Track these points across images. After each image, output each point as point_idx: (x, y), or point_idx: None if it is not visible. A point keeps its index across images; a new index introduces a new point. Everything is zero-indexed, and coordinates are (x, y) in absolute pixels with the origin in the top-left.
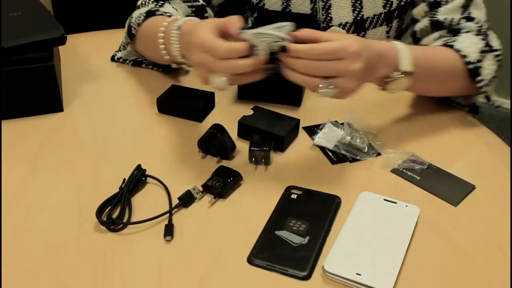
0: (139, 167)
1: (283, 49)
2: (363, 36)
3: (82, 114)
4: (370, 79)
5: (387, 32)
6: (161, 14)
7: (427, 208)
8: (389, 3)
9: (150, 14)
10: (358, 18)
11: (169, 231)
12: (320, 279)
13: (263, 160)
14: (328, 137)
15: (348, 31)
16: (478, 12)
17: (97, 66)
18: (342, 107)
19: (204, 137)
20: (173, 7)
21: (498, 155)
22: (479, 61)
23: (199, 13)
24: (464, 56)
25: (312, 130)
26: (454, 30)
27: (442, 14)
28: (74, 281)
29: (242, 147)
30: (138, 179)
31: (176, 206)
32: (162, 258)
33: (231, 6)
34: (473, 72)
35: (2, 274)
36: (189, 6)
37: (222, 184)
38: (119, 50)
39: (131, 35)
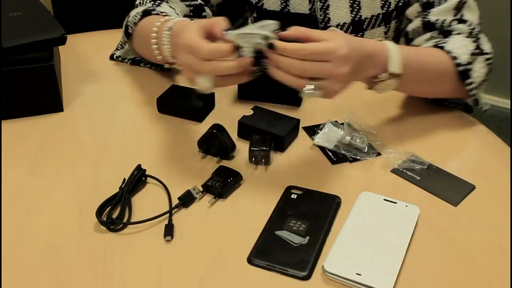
0: (139, 167)
1: (270, 46)
2: (361, 36)
3: (82, 114)
4: (358, 78)
5: (385, 33)
6: (157, 14)
7: (427, 208)
8: (387, 3)
9: (146, 13)
10: (356, 18)
11: (169, 231)
12: (320, 279)
13: (263, 160)
14: (328, 137)
15: (346, 32)
16: (471, 14)
17: (97, 66)
18: (342, 107)
19: (204, 137)
20: (170, 7)
21: (498, 155)
22: (470, 63)
23: (197, 12)
24: (454, 58)
25: (312, 130)
26: (445, 32)
27: (434, 15)
28: (74, 281)
29: (242, 147)
30: (138, 179)
31: (176, 206)
32: (162, 258)
33: (230, 6)
34: (463, 74)
35: (2, 274)
36: (187, 5)
37: (222, 184)
38: (117, 49)
39: (128, 34)
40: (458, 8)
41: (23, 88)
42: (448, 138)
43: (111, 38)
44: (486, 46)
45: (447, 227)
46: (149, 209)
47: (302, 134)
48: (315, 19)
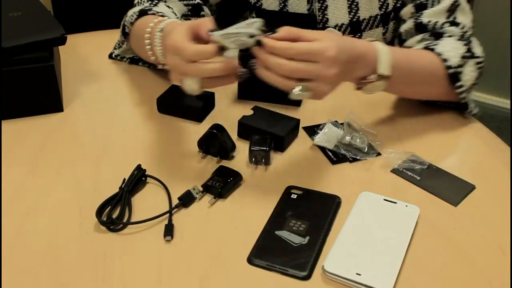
0: (139, 167)
1: (258, 43)
2: (359, 37)
3: (82, 114)
4: (347, 79)
5: (384, 34)
6: (153, 14)
7: (427, 208)
8: (385, 4)
9: (142, 13)
10: (354, 19)
11: (169, 231)
12: (320, 279)
13: (263, 160)
14: (328, 137)
15: (344, 33)
16: (464, 17)
17: (97, 66)
18: (342, 107)
19: (204, 137)
20: (168, 6)
21: (498, 155)
22: (460, 66)
23: (195, 11)
24: (444, 60)
25: (312, 130)
26: (436, 34)
27: (427, 16)
28: (74, 281)
29: (242, 147)
30: (138, 179)
31: (176, 206)
32: (162, 258)
33: (229, 6)
34: (453, 77)
35: (2, 274)
36: (185, 5)
37: (222, 184)
38: (115, 48)
39: (125, 34)
40: (451, 10)
41: (23, 88)
42: (448, 138)
43: (111, 38)
44: (478, 49)
45: (447, 227)
46: (149, 209)
47: (302, 134)
48: (314, 19)
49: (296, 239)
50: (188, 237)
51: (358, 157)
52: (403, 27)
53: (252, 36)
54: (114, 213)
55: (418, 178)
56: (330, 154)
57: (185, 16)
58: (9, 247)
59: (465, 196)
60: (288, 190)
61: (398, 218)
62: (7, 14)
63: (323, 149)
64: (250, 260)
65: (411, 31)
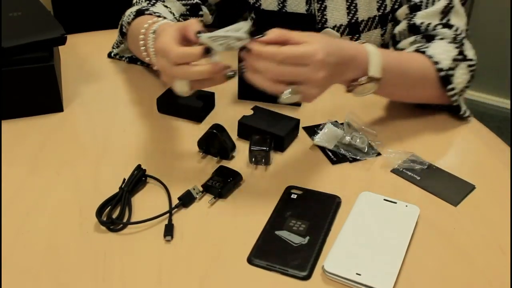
0: (139, 167)
1: (247, 50)
2: (358, 38)
3: (82, 114)
4: (337, 81)
5: (382, 35)
6: (150, 14)
7: (427, 208)
8: (383, 6)
9: (139, 13)
10: (353, 21)
11: (169, 231)
12: (320, 279)
13: (263, 160)
14: (328, 137)
15: (342, 34)
16: (458, 20)
17: (97, 66)
18: (342, 107)
19: (204, 137)
20: (166, 6)
21: (498, 155)
22: (451, 69)
23: (194, 11)
24: (436, 63)
25: (312, 130)
26: (428, 36)
27: (420, 18)
28: (74, 281)
29: (242, 147)
30: (138, 179)
31: (176, 206)
32: (162, 258)
33: (229, 5)
34: (444, 79)
35: (2, 274)
36: (184, 4)
37: (222, 184)
38: (113, 47)
39: (122, 33)
40: (445, 12)
41: (23, 88)
42: (448, 138)
43: (111, 38)
44: (470, 52)
45: (447, 227)
46: (149, 209)
47: (302, 134)
48: (313, 19)
49: (296, 239)
50: (188, 237)
51: (358, 157)
52: (397, 28)
53: (240, 39)
54: (114, 213)
55: (418, 178)
56: (330, 154)
57: (184, 16)
58: (9, 247)
59: (465, 196)
60: (288, 190)
61: (398, 218)
62: (7, 14)
63: (323, 149)
64: (250, 260)
65: (405, 32)
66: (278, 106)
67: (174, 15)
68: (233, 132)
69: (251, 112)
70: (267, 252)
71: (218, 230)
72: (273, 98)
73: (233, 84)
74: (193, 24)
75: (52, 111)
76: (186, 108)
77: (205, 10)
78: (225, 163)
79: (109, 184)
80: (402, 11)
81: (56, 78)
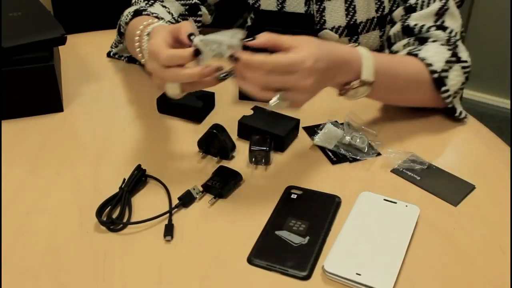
0: (139, 167)
1: (234, 59)
2: (356, 40)
3: (82, 114)
4: (328, 85)
5: (380, 36)
6: (148, 14)
7: (427, 208)
8: (382, 7)
9: (137, 13)
10: (351, 22)
11: (169, 231)
12: (320, 279)
13: (263, 160)
14: (328, 137)
15: (341, 35)
16: (453, 22)
17: (97, 66)
18: (342, 107)
19: (204, 137)
20: (164, 6)
21: (498, 155)
22: (445, 70)
23: (192, 11)
24: (429, 65)
25: (312, 130)
26: (421, 39)
27: (414, 19)
28: (74, 281)
29: (242, 147)
30: (138, 179)
31: (176, 206)
32: (162, 258)
33: (229, 5)
34: (438, 81)
35: (2, 274)
36: (182, 5)
37: (222, 184)
38: (112, 47)
39: (120, 33)
40: (439, 14)
41: (23, 88)
42: (448, 138)
43: (111, 38)
44: (464, 54)
45: (447, 227)
46: (149, 209)
47: (302, 134)
48: (312, 19)
49: (296, 239)
50: (188, 237)
51: (358, 157)
52: (392, 30)
53: (232, 47)
54: (114, 213)
55: (418, 178)
56: (330, 154)
57: (183, 16)
58: (9, 247)
59: (465, 196)
60: (288, 190)
61: (398, 218)
62: (7, 14)
63: (323, 149)
64: (250, 260)
65: (399, 34)
66: None
67: (172, 15)
68: (233, 132)
69: (251, 112)
70: (267, 252)
71: (218, 230)
72: None
73: (233, 84)
74: (186, 26)
75: (52, 111)
76: (186, 108)
77: (204, 10)
78: (225, 163)
79: (109, 184)
80: (398, 12)
81: (56, 78)
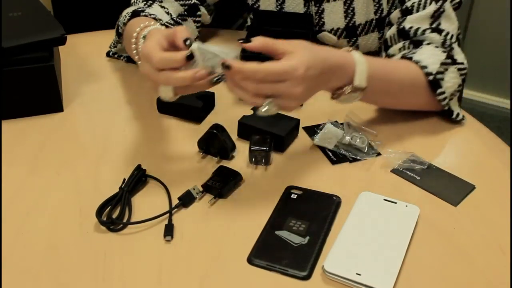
0: (139, 167)
1: (226, 67)
2: (355, 41)
3: (82, 114)
4: (321, 89)
5: (379, 38)
6: (146, 16)
7: (427, 208)
8: (380, 9)
9: (135, 14)
10: (350, 24)
11: (169, 231)
12: (320, 279)
13: (263, 160)
14: (328, 137)
15: (339, 37)
16: (448, 24)
17: (97, 66)
18: (342, 107)
19: (204, 137)
20: (163, 6)
21: (498, 155)
22: (440, 72)
23: (191, 11)
24: (423, 67)
25: (312, 130)
26: (416, 42)
27: (409, 22)
28: (74, 281)
29: (242, 147)
30: (138, 179)
31: (176, 206)
32: (162, 258)
33: (228, 5)
34: (433, 83)
35: (2, 274)
36: (182, 5)
37: (222, 184)
38: (110, 47)
39: (119, 34)
40: (435, 17)
41: (23, 88)
42: (448, 138)
43: (111, 38)
44: (459, 56)
45: (447, 227)
46: (149, 209)
47: (302, 134)
48: (311, 19)
49: (296, 239)
50: (188, 237)
51: (358, 157)
52: (388, 33)
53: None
54: (114, 213)
55: (418, 178)
56: (330, 154)
57: (182, 16)
58: (9, 247)
59: (465, 196)
60: (288, 190)
61: (398, 218)
62: (7, 14)
63: (323, 149)
64: (250, 260)
65: (395, 36)
66: None
67: (171, 15)
68: (233, 132)
69: (251, 112)
70: (267, 252)
71: (218, 230)
72: None
73: None
74: (181, 31)
75: (52, 111)
76: (186, 108)
77: (203, 10)
78: (225, 163)
79: (109, 184)
80: (395, 14)
81: (56, 78)
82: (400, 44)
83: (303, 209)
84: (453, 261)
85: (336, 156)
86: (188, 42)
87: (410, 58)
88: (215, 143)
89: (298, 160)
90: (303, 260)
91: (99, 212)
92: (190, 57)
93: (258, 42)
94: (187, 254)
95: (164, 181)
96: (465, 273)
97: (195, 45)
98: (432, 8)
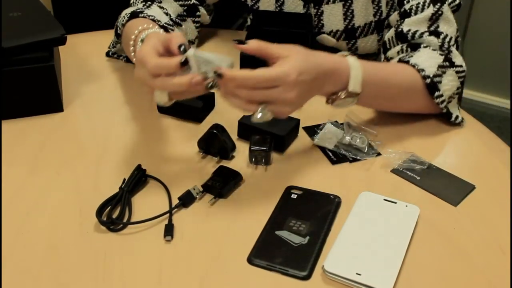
0: (139, 167)
1: (218, 75)
2: (354, 43)
3: (82, 114)
4: (315, 95)
5: (378, 40)
6: (144, 17)
7: (427, 208)
8: (379, 12)
9: (134, 15)
10: (349, 26)
11: (169, 231)
12: (320, 279)
13: (263, 160)
14: (328, 137)
15: (338, 39)
16: (447, 27)
17: (97, 66)
18: None
19: (204, 137)
20: (162, 7)
21: (498, 155)
22: (437, 75)
23: (191, 12)
24: (421, 71)
25: (312, 130)
26: (413, 45)
27: (407, 25)
28: (74, 281)
29: (242, 147)
30: (138, 179)
31: (176, 206)
32: (162, 258)
33: (227, 6)
34: (431, 87)
35: (2, 274)
36: (181, 5)
37: (222, 184)
38: (110, 47)
39: (117, 35)
40: (433, 19)
41: (23, 88)
42: (448, 138)
43: (111, 38)
44: (458, 59)
45: (447, 227)
46: (149, 209)
47: (302, 134)
48: (310, 19)
49: (296, 239)
50: (188, 237)
51: (358, 157)
52: (387, 35)
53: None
54: (114, 213)
55: (418, 178)
56: (330, 154)
57: (181, 17)
58: (9, 247)
59: (465, 196)
60: (288, 190)
61: (398, 218)
62: (7, 14)
63: (323, 149)
64: (250, 260)
65: (393, 39)
66: None
67: (170, 16)
68: (233, 132)
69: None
70: (267, 252)
71: (218, 230)
72: None
73: None
74: (177, 37)
75: (52, 111)
76: (186, 108)
77: (202, 10)
78: (225, 163)
79: (109, 184)
80: (394, 17)
81: (56, 78)
82: (398, 47)
83: (303, 209)
84: (453, 261)
85: (336, 156)
86: (182, 48)
87: (407, 62)
88: (215, 143)
89: (298, 160)
90: (303, 260)
91: (99, 212)
92: (184, 63)
93: (253, 45)
94: (187, 254)
95: (164, 181)
96: (465, 273)
97: (191, 52)
98: (430, 10)
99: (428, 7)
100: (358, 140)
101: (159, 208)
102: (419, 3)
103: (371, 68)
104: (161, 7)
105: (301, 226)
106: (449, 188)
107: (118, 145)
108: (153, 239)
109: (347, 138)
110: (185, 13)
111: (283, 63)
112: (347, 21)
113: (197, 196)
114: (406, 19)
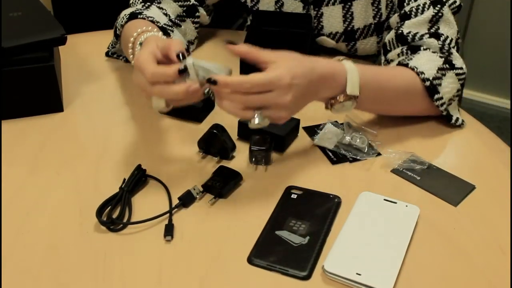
0: (139, 167)
1: (213, 82)
2: (353, 45)
3: (82, 114)
4: (312, 100)
5: (378, 42)
6: (143, 18)
7: (427, 208)
8: (379, 14)
9: (132, 16)
10: (349, 28)
11: (169, 231)
12: (320, 279)
13: (263, 160)
14: (328, 137)
15: (338, 41)
16: (447, 29)
17: (97, 66)
18: None
19: (204, 137)
20: (161, 8)
21: (498, 155)
22: (437, 78)
23: (190, 12)
24: (420, 73)
25: (312, 130)
26: (413, 47)
27: (407, 27)
28: (74, 281)
29: (242, 147)
30: (138, 179)
31: (176, 206)
32: (162, 258)
33: (227, 6)
34: (430, 89)
35: (2, 274)
36: (180, 6)
37: (222, 184)
38: (108, 48)
39: (116, 36)
40: (433, 21)
41: (23, 88)
42: (448, 138)
43: (111, 38)
44: (458, 61)
45: (447, 227)
46: (149, 209)
47: (302, 134)
48: (310, 19)
49: (296, 239)
50: (188, 237)
51: (358, 157)
52: (387, 38)
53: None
54: (114, 213)
55: (418, 178)
56: (330, 154)
57: (180, 17)
58: (9, 247)
59: (465, 196)
60: (288, 190)
61: (398, 218)
62: (7, 14)
63: (323, 149)
64: (250, 260)
65: (393, 41)
66: None
67: (169, 17)
68: (233, 132)
69: None
70: (267, 252)
71: (218, 230)
72: None
73: None
74: (176, 44)
75: (52, 111)
76: (186, 108)
77: (201, 11)
78: (225, 163)
79: (109, 184)
80: (394, 19)
81: (56, 78)
82: (398, 50)
83: (303, 209)
84: (453, 261)
85: (336, 156)
86: (181, 56)
87: (407, 65)
88: (215, 143)
89: (298, 160)
90: (303, 260)
91: (99, 212)
92: (182, 71)
93: (242, 49)
94: (187, 254)
95: (164, 181)
96: (465, 273)
97: (189, 60)
98: (430, 12)
99: (428, 9)
100: (358, 140)
101: (159, 208)
102: (419, 5)
103: (369, 71)
104: (160, 8)
105: (301, 226)
106: (449, 188)
107: (118, 145)
108: (153, 239)
109: (347, 138)
110: (184, 13)
111: (275, 68)
112: (347, 23)
113: (197, 196)
114: (406, 21)
